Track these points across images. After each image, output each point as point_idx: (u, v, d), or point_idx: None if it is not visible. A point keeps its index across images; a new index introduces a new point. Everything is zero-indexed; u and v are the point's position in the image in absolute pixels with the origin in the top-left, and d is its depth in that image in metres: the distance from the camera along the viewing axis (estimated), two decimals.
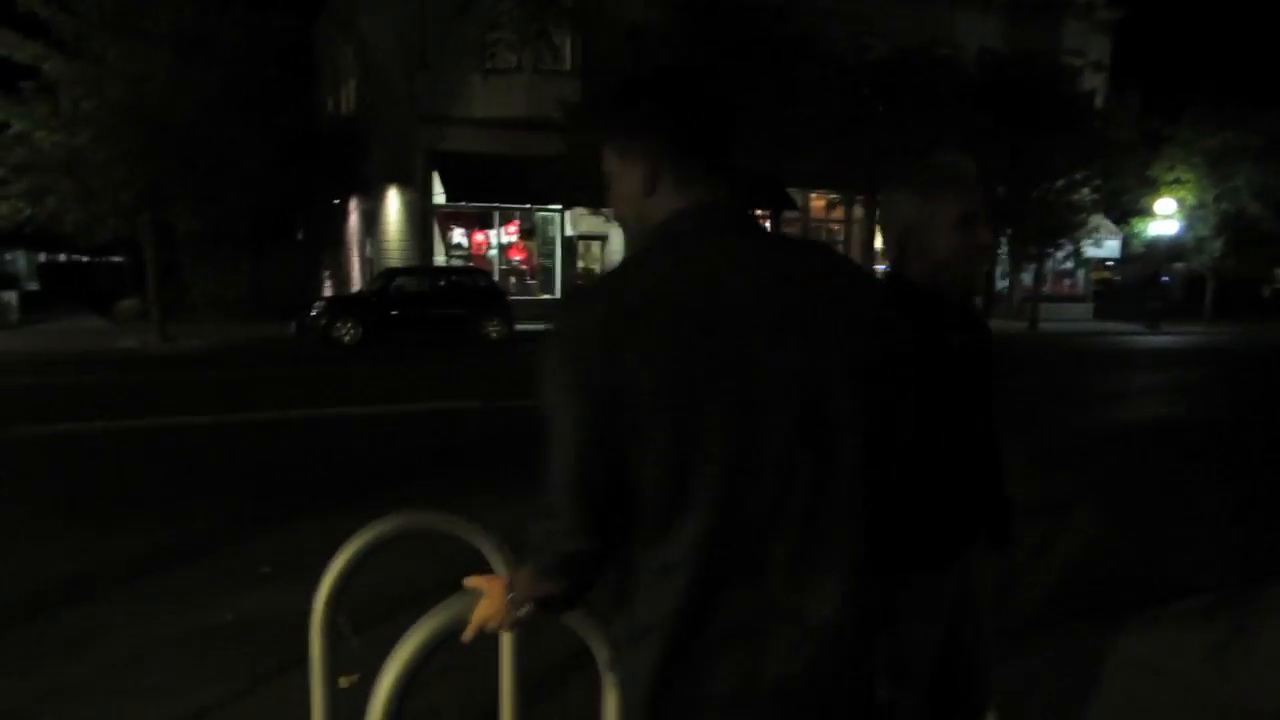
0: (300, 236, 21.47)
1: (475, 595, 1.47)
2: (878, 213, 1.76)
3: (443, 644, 1.52)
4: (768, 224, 25.03)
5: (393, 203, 22.43)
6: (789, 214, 23.79)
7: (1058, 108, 22.51)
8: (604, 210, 20.19)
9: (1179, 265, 31.49)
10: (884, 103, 21.09)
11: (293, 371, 12.73)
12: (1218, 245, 27.42)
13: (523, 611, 1.33)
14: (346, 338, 15.33)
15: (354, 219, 25.46)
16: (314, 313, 15.87)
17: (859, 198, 24.57)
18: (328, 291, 25.23)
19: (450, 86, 20.41)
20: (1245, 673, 3.33)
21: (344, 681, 3.32)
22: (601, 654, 1.61)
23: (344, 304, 16.82)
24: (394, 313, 15.86)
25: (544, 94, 20.24)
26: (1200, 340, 23.38)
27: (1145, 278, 32.51)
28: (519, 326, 17.26)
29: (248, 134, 17.00)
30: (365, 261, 25.01)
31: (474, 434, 8.30)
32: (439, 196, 20.58)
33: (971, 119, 20.88)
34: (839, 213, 25.52)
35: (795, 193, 23.14)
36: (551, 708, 3.21)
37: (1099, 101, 25.51)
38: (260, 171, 17.79)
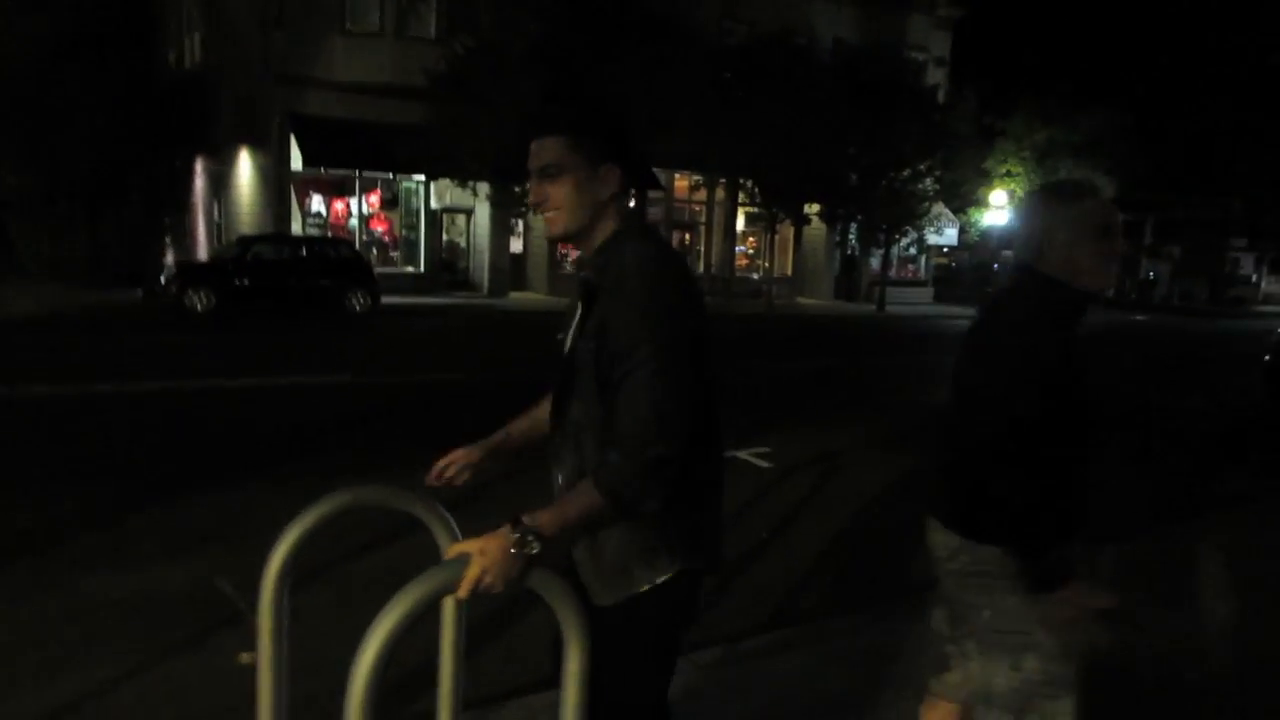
0: (141, 198, 20.11)
1: (460, 561, 1.52)
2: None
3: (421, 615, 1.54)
4: (631, 203, 25.33)
5: (245, 166, 21.36)
6: (653, 194, 24.14)
7: (905, 100, 23.77)
8: (471, 183, 19.94)
9: (1008, 253, 33.87)
10: (744, 88, 21.67)
11: (145, 340, 12.06)
12: None
13: (535, 549, 1.51)
14: (199, 306, 14.58)
15: (200, 181, 24.06)
16: (163, 279, 15.00)
17: (721, 180, 25.21)
18: (171, 257, 23.81)
19: (308, 46, 19.58)
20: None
21: (246, 658, 3.34)
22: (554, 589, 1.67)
23: (197, 270, 15.94)
24: (252, 282, 15.17)
25: (408, 60, 19.73)
26: None
27: (979, 264, 34.91)
28: (385, 300, 16.89)
29: (80, 85, 15.82)
30: (213, 226, 23.71)
31: (353, 408, 8.18)
32: (296, 162, 19.78)
33: (828, 107, 21.76)
34: (701, 194, 26.10)
35: (660, 173, 23.50)
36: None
37: (941, 96, 27.08)
38: (95, 126, 16.59)
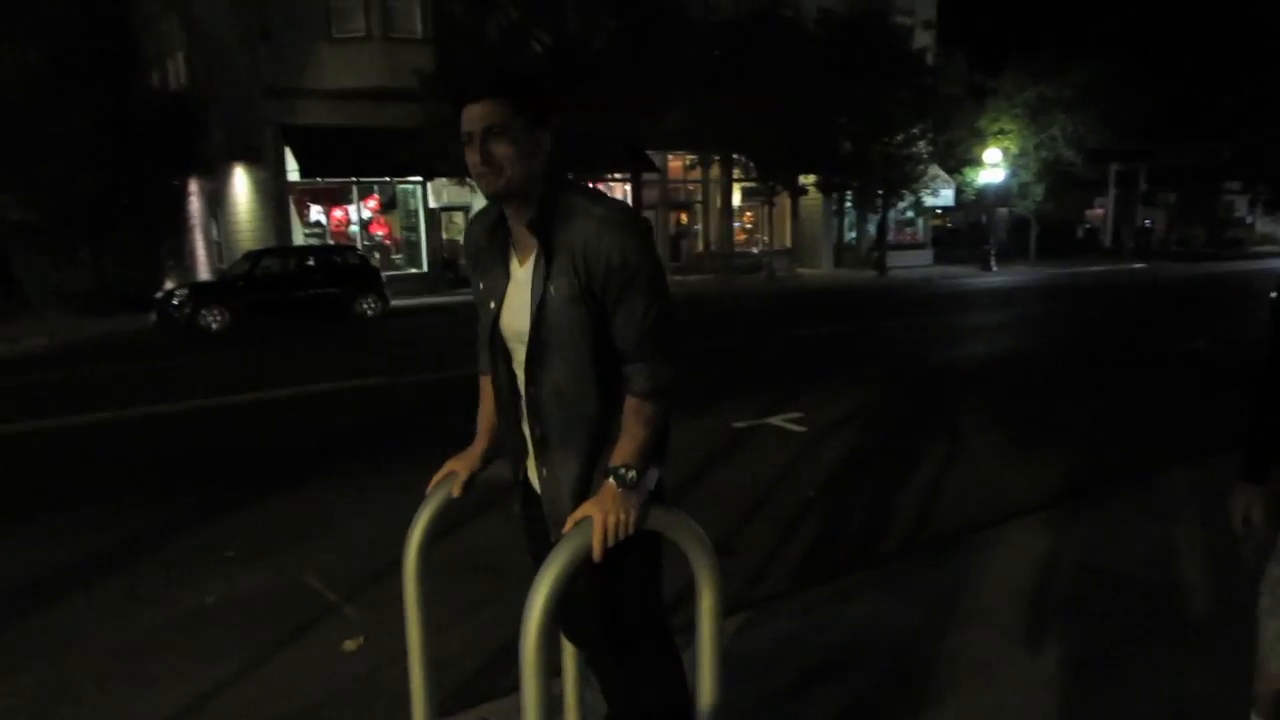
0: (139, 222, 20.13)
1: (582, 528, 1.67)
2: None
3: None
4: (628, 186, 25.37)
5: (240, 182, 21.39)
6: (648, 176, 24.16)
7: (895, 65, 23.74)
8: (468, 180, 19.93)
9: (1003, 210, 33.92)
10: (734, 63, 21.66)
11: (171, 363, 12.13)
12: (1039, 190, 29.73)
13: (635, 478, 1.71)
14: (215, 325, 14.64)
15: (195, 201, 24.07)
16: (176, 301, 15.04)
17: (715, 157, 25.19)
18: (171, 279, 23.86)
19: (295, 57, 19.57)
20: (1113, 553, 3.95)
21: (350, 646, 3.44)
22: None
23: (209, 290, 16.00)
24: (263, 296, 15.24)
25: (397, 63, 19.72)
26: (1030, 278, 25.30)
27: (974, 223, 34.92)
28: (394, 302, 16.96)
29: (70, 112, 15.80)
30: (212, 245, 23.76)
31: (394, 407, 8.28)
32: (292, 173, 19.80)
33: (817, 77, 21.74)
34: (696, 173, 26.10)
35: (654, 155, 23.51)
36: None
37: (930, 58, 27.05)
38: (87, 152, 16.58)
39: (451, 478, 2.09)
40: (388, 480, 5.61)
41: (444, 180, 20.69)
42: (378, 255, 21.09)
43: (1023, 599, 3.49)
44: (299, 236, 20.47)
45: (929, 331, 13.56)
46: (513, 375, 1.96)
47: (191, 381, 10.23)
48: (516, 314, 1.87)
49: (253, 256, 16.14)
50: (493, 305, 1.92)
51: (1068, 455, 5.97)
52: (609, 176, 23.53)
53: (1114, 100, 27.96)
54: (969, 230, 35.19)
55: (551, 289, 1.78)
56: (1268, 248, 44.77)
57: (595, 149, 18.75)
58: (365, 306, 16.31)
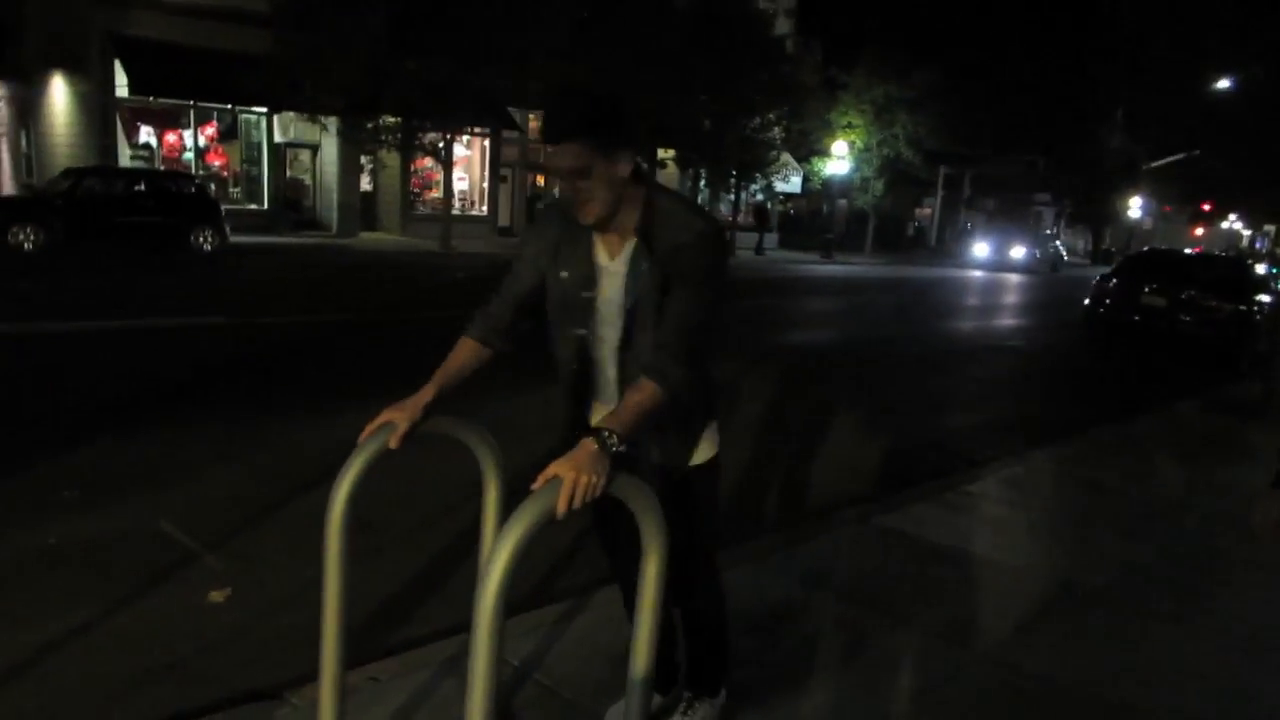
0: None
1: (552, 486, 1.64)
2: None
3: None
4: (486, 142, 24.85)
5: (59, 92, 19.40)
6: (508, 134, 23.75)
7: (755, 49, 24.29)
8: (319, 117, 18.96)
9: (843, 201, 35.52)
10: (601, 30, 21.52)
11: None
12: (879, 186, 31.32)
13: (619, 447, 1.75)
14: (28, 244, 13.33)
15: (2, 108, 21.67)
16: None
17: None
18: None
19: None
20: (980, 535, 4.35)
21: (217, 596, 3.32)
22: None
23: (21, 206, 14.46)
24: (86, 218, 13.96)
25: None
26: (868, 270, 26.69)
27: (815, 211, 36.40)
28: (232, 239, 15.97)
29: None
30: (20, 158, 21.48)
31: (235, 351, 7.82)
32: (121, 89, 18.20)
33: (680, 54, 21.95)
34: None
35: (516, 113, 23.12)
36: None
37: (789, 46, 27.84)
38: None
39: (388, 428, 2.00)
40: (241, 427, 5.35)
41: (291, 115, 19.61)
42: (214, 187, 19.76)
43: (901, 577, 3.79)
44: (125, 158, 18.88)
45: (786, 312, 14.11)
46: (587, 357, 2.13)
47: (13, 302, 9.32)
48: (610, 306, 2.05)
49: (74, 174, 14.76)
50: (586, 295, 2.06)
51: (899, 443, 6.45)
52: (469, 130, 22.98)
53: (950, 106, 29.77)
54: (810, 218, 36.65)
55: (649, 290, 1.96)
56: (1070, 259, 49.25)
57: (455, 100, 18.24)
58: (202, 240, 15.28)
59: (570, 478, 1.64)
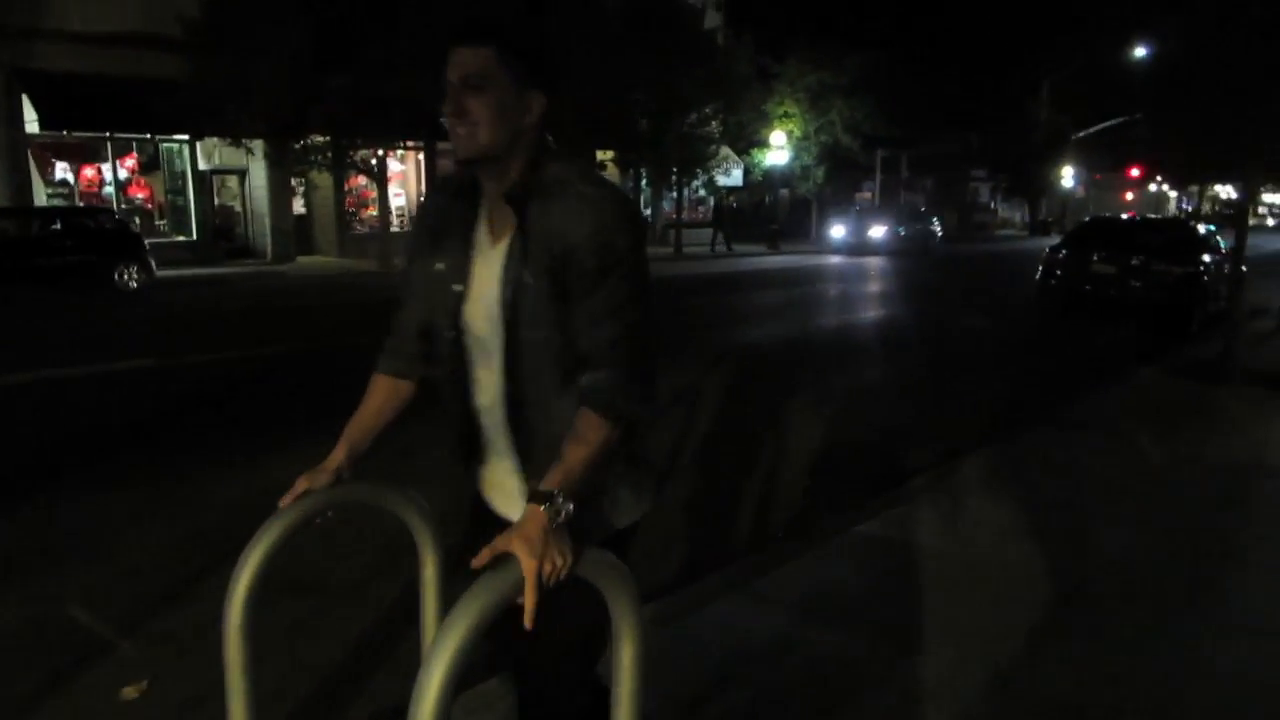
0: None
1: (506, 564, 1.32)
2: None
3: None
4: (421, 155, 24.31)
5: None
6: (443, 145, 23.21)
7: (689, 44, 24.12)
8: (244, 141, 18.30)
9: (785, 191, 35.53)
10: None
11: None
12: (820, 173, 31.33)
13: (568, 509, 1.37)
14: None
15: None
16: None
17: None
18: None
19: None
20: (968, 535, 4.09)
21: (130, 692, 2.93)
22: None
23: None
24: (1, 262, 13.27)
25: (156, 5, 17.70)
26: (819, 261, 26.53)
27: (758, 202, 36.36)
28: (160, 273, 15.31)
29: None
30: None
31: (168, 394, 7.34)
32: (31, 124, 17.40)
33: (614, 51, 21.67)
34: None
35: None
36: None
37: (720, 38, 27.72)
38: None
39: (306, 499, 1.67)
40: (165, 487, 4.89)
41: (215, 140, 18.92)
42: (138, 220, 18.96)
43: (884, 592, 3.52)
44: (41, 197, 18.05)
45: (738, 309, 13.90)
46: (466, 378, 1.65)
47: None
48: (487, 303, 1.57)
49: None
50: (456, 288, 1.61)
51: (887, 437, 6.22)
52: (401, 144, 22.45)
53: (884, 90, 29.87)
54: (753, 209, 36.58)
55: (528, 275, 1.51)
56: (1007, 231, 49.97)
57: (384, 114, 17.73)
58: (127, 276, 14.62)
59: (530, 566, 1.30)
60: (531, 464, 1.59)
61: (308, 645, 3.15)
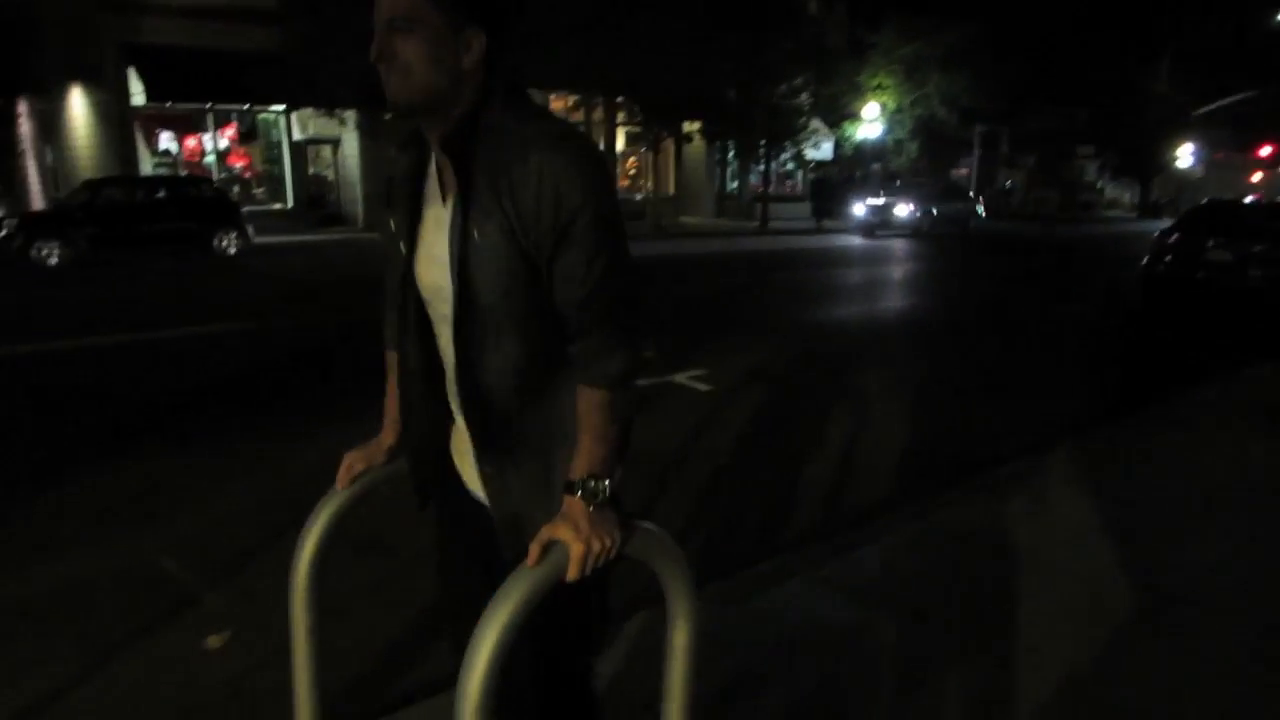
0: None
1: (555, 550, 1.31)
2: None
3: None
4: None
5: (78, 104, 19.36)
6: None
7: (778, 15, 23.57)
8: (337, 111, 18.71)
9: (876, 166, 34.60)
10: (625, 3, 20.99)
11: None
12: (914, 147, 30.40)
13: (606, 492, 1.35)
14: (53, 259, 13.26)
15: (25, 124, 21.74)
16: (4, 232, 13.51)
17: (598, 100, 24.53)
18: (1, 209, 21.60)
19: None
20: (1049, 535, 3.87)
21: (214, 642, 2.99)
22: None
23: (44, 221, 14.35)
24: (107, 228, 13.89)
25: None
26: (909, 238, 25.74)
27: (848, 178, 35.47)
28: (256, 239, 15.79)
29: None
30: (46, 172, 21.57)
31: (269, 358, 7.54)
32: (138, 96, 18.08)
33: (701, 22, 21.35)
34: (579, 115, 25.37)
35: (536, 94, 22.53)
36: None
37: (813, 8, 27.04)
38: None
39: (364, 476, 1.70)
40: (256, 446, 5.01)
41: (309, 111, 19.37)
42: (237, 189, 19.64)
43: (954, 586, 3.35)
44: (147, 166, 18.81)
45: (821, 286, 13.61)
46: (428, 346, 1.53)
47: (22, 323, 9.16)
48: (436, 264, 1.44)
49: (93, 185, 14.66)
50: (403, 248, 1.48)
51: (978, 420, 5.97)
52: None
53: (984, 62, 28.71)
54: (842, 185, 35.75)
55: (476, 233, 1.35)
56: (1115, 212, 47.70)
57: None
58: (224, 242, 15.13)
59: (578, 549, 1.29)
60: (489, 443, 1.46)
61: (384, 607, 3.17)
